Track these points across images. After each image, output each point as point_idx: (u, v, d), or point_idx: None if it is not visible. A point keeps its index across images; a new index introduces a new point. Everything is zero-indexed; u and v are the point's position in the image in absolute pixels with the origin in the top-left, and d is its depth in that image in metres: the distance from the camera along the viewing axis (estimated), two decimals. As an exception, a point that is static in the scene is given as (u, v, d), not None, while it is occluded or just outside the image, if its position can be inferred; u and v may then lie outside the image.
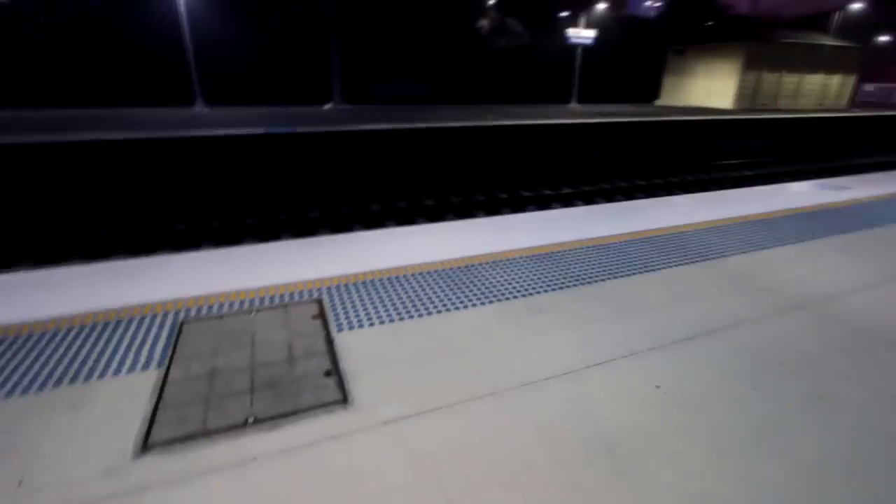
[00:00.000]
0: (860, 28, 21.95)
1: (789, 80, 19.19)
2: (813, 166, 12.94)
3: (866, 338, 2.16)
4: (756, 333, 2.18)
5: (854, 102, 21.15)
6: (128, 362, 1.90)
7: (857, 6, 21.99)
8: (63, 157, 7.61)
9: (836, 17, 22.18)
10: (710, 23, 22.80)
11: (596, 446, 1.50)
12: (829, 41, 18.93)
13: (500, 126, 10.72)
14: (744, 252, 3.23)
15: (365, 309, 2.36)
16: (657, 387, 1.79)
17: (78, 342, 2.04)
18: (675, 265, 2.98)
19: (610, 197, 9.49)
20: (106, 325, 2.18)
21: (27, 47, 15.65)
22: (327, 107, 15.83)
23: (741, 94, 18.39)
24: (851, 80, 20.51)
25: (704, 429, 1.58)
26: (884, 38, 24.26)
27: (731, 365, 1.93)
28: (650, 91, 22.35)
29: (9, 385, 1.76)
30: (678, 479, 1.38)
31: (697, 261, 3.05)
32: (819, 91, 20.14)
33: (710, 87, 19.38)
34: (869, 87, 27.01)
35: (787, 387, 1.80)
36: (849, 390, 1.79)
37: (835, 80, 20.19)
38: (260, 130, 8.78)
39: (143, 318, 2.24)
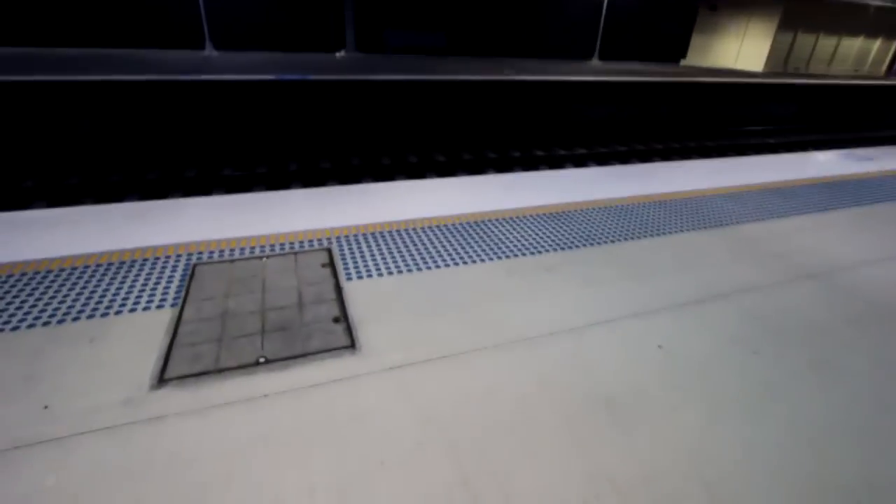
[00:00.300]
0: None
1: (826, 42, 18.13)
2: (841, 136, 12.45)
3: (873, 310, 2.15)
4: (764, 300, 2.18)
5: (892, 70, 20.04)
6: (143, 301, 1.96)
7: (909, -38, 20.35)
8: (73, 98, 7.53)
9: (885, -27, 20.62)
10: (747, -24, 21.34)
11: (596, 400, 1.54)
12: (875, 1, 17.68)
13: (516, 81, 10.35)
14: (759, 220, 3.17)
15: (374, 259, 2.38)
16: (659, 346, 1.81)
17: (94, 280, 2.09)
18: (688, 230, 2.94)
19: (625, 159, 9.27)
20: (121, 264, 2.22)
21: (31, -19, 15.11)
22: (340, 54, 15.34)
23: (773, 57, 17.47)
24: (892, 46, 19.34)
25: (703, 389, 1.61)
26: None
27: (736, 330, 1.94)
28: (677, 50, 21.30)
29: (29, 318, 1.82)
30: (674, 434, 1.42)
31: (711, 227, 3.01)
32: (857, 56, 19.05)
33: (742, 48, 18.40)
34: (910, 53, 25.46)
35: (790, 354, 1.82)
36: (851, 359, 1.80)
37: (875, 45, 19.05)
38: (270, 77, 8.57)
39: (156, 259, 2.28)
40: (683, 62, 20.90)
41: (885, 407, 1.58)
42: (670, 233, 2.89)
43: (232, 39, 15.76)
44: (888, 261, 2.66)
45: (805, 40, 17.74)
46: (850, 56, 18.93)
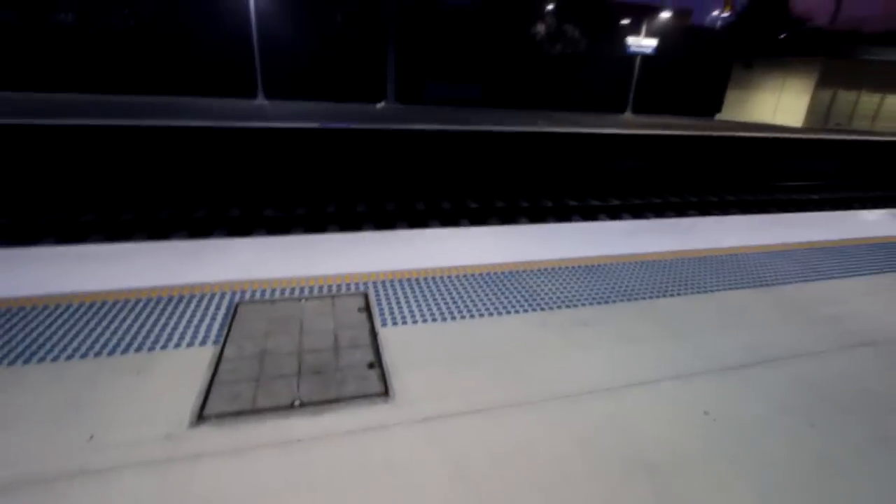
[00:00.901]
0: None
1: (869, 99, 17.86)
2: (887, 193, 11.97)
3: (944, 384, 1.99)
4: (817, 367, 2.05)
5: (942, 127, 19.39)
6: (188, 336, 2.03)
7: (953, 22, 20.18)
8: (133, 140, 8.18)
9: (928, 33, 20.42)
10: (783, 35, 21.56)
11: (636, 466, 1.46)
12: (917, 59, 17.44)
13: (549, 133, 10.59)
14: (806, 280, 3.04)
15: (409, 306, 2.40)
16: (705, 413, 1.72)
17: (145, 313, 2.19)
18: (730, 288, 2.85)
19: (660, 212, 9.17)
20: (170, 299, 2.33)
21: (111, 37, 16.91)
22: (380, 105, 16.19)
23: (813, 113, 17.30)
24: (940, 102, 18.82)
25: (755, 461, 1.50)
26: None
27: (787, 398, 1.83)
28: (712, 104, 21.43)
29: (83, 348, 1.92)
30: (723, 510, 1.32)
31: (754, 285, 2.91)
32: (902, 113, 18.61)
33: (778, 104, 18.34)
34: (961, 111, 24.70)
35: (850, 427, 1.69)
36: (921, 438, 1.66)
37: (921, 102, 18.60)
38: (314, 125, 9.10)
39: (202, 297, 2.38)
40: (719, 116, 20.93)
41: (965, 496, 1.43)
42: (711, 290, 2.80)
43: (282, 89, 16.94)
44: (954, 330, 2.48)
45: (846, 96, 17.54)
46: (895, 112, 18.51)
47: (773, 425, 1.67)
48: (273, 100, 15.60)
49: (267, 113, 11.13)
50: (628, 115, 18.32)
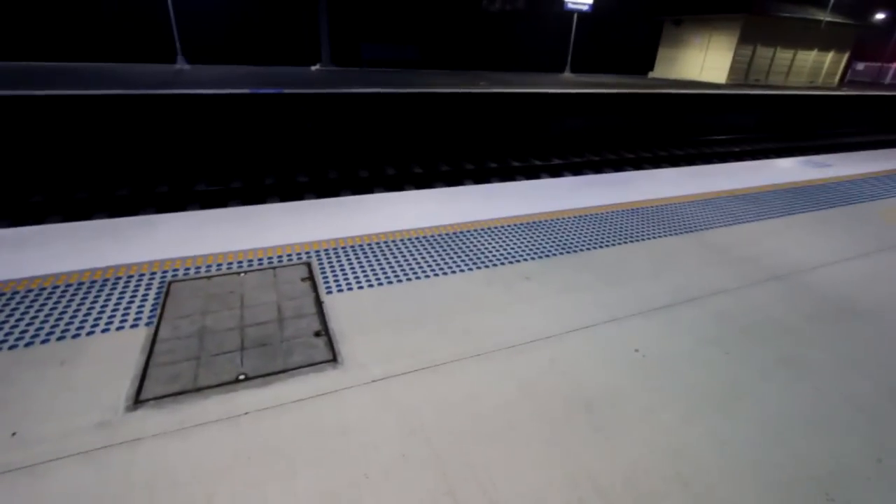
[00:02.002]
0: (856, 4, 21.72)
1: (783, 55, 19.08)
2: (800, 144, 13.06)
3: (833, 307, 2.26)
4: (732, 302, 2.27)
5: (844, 81, 21.19)
6: (116, 320, 1.91)
7: (855, -20, 21.68)
8: (39, 113, 7.30)
9: (834, -9, 21.90)
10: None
11: (576, 404, 1.57)
12: (826, 17, 18.74)
13: (491, 94, 10.53)
14: (727, 224, 3.30)
15: (354, 272, 2.38)
16: (636, 350, 1.86)
17: (65, 300, 2.03)
18: (660, 236, 3.04)
19: (598, 168, 9.50)
20: (92, 283, 2.17)
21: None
22: (315, 68, 15.33)
23: (735, 69, 18.27)
24: (844, 58, 20.48)
25: (678, 389, 1.66)
26: (880, 16, 24.06)
27: (707, 331, 2.02)
28: (646, 62, 22.04)
29: (-5, 341, 1.76)
30: (651, 434, 1.46)
31: (682, 232, 3.12)
32: (811, 68, 20.10)
33: (705, 61, 19.18)
34: (859, 65, 27.04)
35: (758, 352, 1.89)
36: (814, 355, 1.89)
37: (828, 58, 20.14)
38: (245, 90, 8.50)
39: (129, 278, 2.23)
40: (651, 74, 21.63)
41: (846, 398, 1.66)
42: (643, 239, 2.98)
43: (205, 52, 15.57)
44: (845, 261, 2.80)
45: (764, 53, 18.63)
46: (806, 68, 19.95)
47: (693, 357, 1.85)
48: (196, 64, 14.34)
49: (189, 79, 10.24)
50: (567, 75, 18.53)
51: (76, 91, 7.45)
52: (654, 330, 2.01)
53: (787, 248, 2.95)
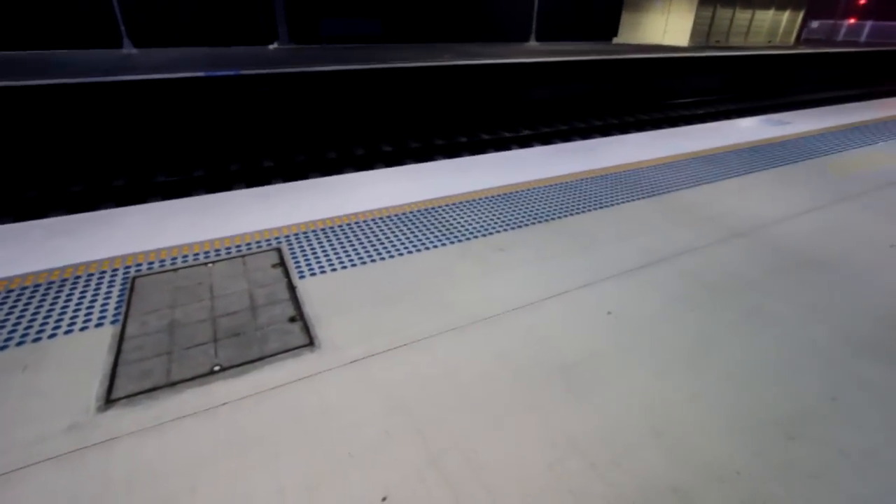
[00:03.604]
0: (810, -39, 22.03)
1: (742, 16, 19.32)
2: (760, 103, 13.38)
3: (793, 260, 2.37)
4: (698, 260, 2.34)
5: (800, 39, 21.67)
6: (79, 321, 1.84)
7: (809, -63, 21.92)
8: (-27, 108, 6.80)
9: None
10: (668, -46, 22.23)
11: (553, 370, 1.61)
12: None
13: (457, 66, 10.35)
14: (692, 185, 3.38)
15: (326, 255, 2.34)
16: (609, 313, 1.91)
17: (21, 304, 1.93)
18: (628, 200, 3.09)
19: (567, 137, 9.54)
20: (50, 284, 2.07)
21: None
22: (273, 46, 14.71)
23: (696, 32, 18.43)
24: (799, 17, 20.89)
25: (649, 348, 1.72)
26: (832, -28, 24.51)
27: (674, 290, 2.08)
28: (610, 28, 21.98)
29: (-51, 351, 1.67)
30: (626, 392, 1.51)
31: (649, 195, 3.18)
32: (769, 28, 20.44)
33: (667, 25, 19.27)
34: (814, 23, 27.63)
35: (723, 306, 1.97)
36: (776, 306, 1.98)
37: (784, 16, 20.50)
38: (199, 74, 8.10)
39: (90, 276, 2.14)
40: (616, 40, 21.62)
41: (805, 344, 1.75)
42: (613, 204, 3.02)
43: (153, 34, 14.71)
44: (802, 215, 2.92)
45: (724, 14, 18.82)
46: (764, 28, 20.29)
47: (663, 315, 1.91)
48: (144, 48, 13.55)
49: (138, 63, 9.67)
50: (533, 44, 18.34)
51: (20, 82, 6.95)
52: (625, 292, 2.06)
53: (748, 205, 3.05)
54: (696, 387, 1.54)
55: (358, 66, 9.33)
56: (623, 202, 3.07)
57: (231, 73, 8.35)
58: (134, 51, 12.67)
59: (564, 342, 1.74)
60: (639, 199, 3.13)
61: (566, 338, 1.77)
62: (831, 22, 28.81)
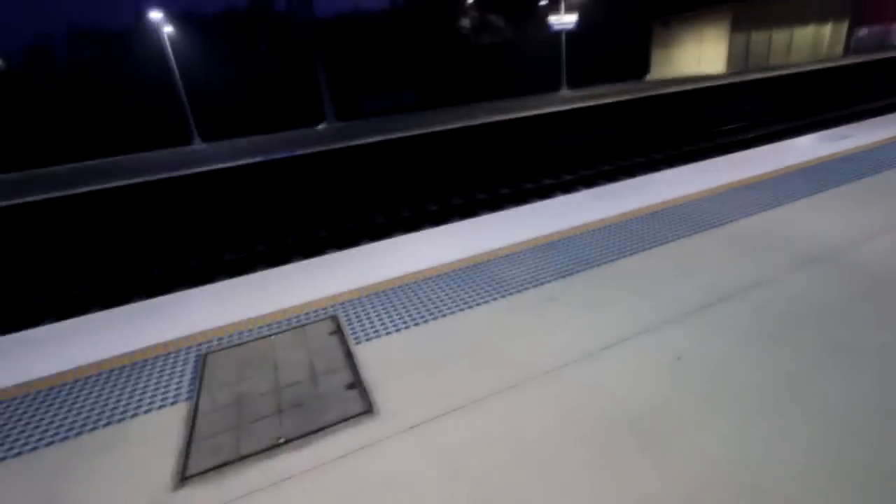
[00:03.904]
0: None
1: (779, 36, 18.92)
2: (813, 120, 12.72)
3: (883, 283, 2.13)
4: (771, 293, 2.17)
5: (848, 50, 20.76)
6: (157, 399, 1.96)
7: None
8: (71, 210, 7.81)
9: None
10: (690, -10, 22.58)
11: (621, 424, 1.50)
12: (813, -10, 18.62)
13: (490, 123, 10.74)
14: (751, 214, 3.20)
15: (380, 319, 2.39)
16: (678, 358, 1.79)
17: (108, 385, 2.10)
18: (683, 236, 2.96)
19: (612, 178, 9.43)
20: (133, 365, 2.24)
21: (26, 108, 16.08)
22: (321, 127, 16.00)
23: (732, 57, 18.18)
24: (844, 27, 20.15)
25: (729, 394, 1.57)
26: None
27: (749, 328, 1.92)
28: (640, 66, 22.19)
29: (47, 436, 1.82)
30: (707, 444, 1.38)
31: (705, 229, 3.04)
32: (812, 42, 19.81)
33: (700, 54, 19.20)
34: (862, 31, 26.45)
35: (808, 341, 1.79)
36: (871, 336, 1.77)
37: (827, 30, 19.85)
38: (259, 158, 8.92)
39: (167, 356, 2.30)
40: (649, 77, 21.71)
41: (917, 381, 1.54)
42: (666, 242, 2.91)
43: (218, 129, 16.52)
44: (885, 233, 2.66)
45: (759, 37, 18.52)
46: (806, 44, 19.68)
47: (739, 357, 1.76)
48: (210, 142, 15.19)
49: (206, 155, 10.83)
50: (565, 91, 18.77)
51: (101, 185, 7.96)
52: (693, 335, 1.93)
53: (820, 228, 2.83)
54: (787, 433, 1.38)
55: (395, 136, 9.91)
56: (676, 238, 2.94)
57: (286, 155, 9.13)
58: (203, 145, 14.22)
59: (631, 393, 1.64)
60: (694, 233, 2.99)
61: (633, 388, 1.66)
62: (881, 28, 27.51)
